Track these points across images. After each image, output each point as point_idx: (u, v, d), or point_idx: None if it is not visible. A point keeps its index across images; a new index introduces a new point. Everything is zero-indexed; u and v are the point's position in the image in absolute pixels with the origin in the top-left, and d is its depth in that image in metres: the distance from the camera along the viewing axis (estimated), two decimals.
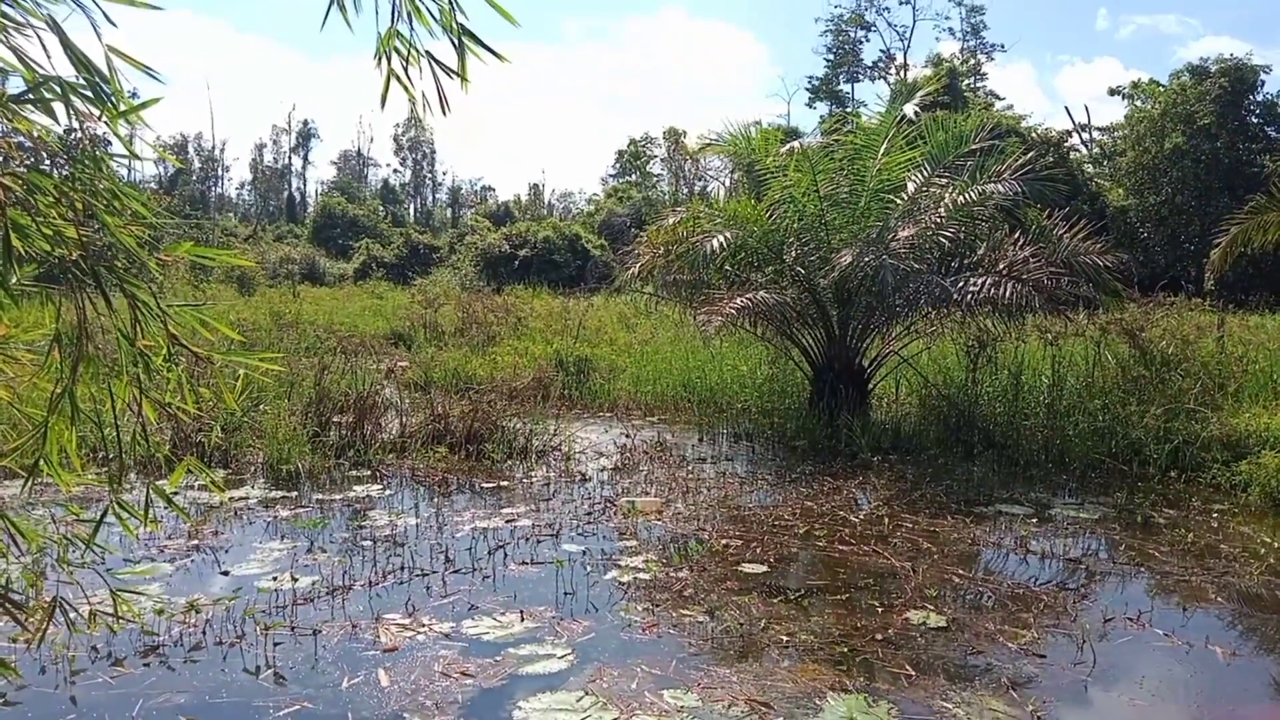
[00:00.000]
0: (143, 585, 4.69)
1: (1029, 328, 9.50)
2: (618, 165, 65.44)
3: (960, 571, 5.34)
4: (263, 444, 7.46)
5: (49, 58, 2.20)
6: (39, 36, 2.19)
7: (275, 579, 4.86)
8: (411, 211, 71.30)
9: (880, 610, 4.64)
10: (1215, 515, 6.67)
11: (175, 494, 6.14)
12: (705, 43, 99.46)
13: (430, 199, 75.56)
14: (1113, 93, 39.97)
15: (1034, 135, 32.98)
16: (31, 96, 2.03)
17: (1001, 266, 8.82)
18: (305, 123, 72.58)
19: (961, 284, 8.62)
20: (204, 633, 4.15)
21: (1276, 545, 5.89)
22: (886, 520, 6.39)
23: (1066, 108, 73.06)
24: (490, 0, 2.45)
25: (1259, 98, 31.06)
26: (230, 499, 6.42)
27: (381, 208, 59.54)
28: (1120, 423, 8.22)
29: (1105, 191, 33.36)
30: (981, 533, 6.26)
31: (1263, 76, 30.82)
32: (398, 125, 72.53)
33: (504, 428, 8.29)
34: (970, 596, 5.01)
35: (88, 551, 2.51)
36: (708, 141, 11.78)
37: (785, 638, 4.27)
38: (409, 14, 2.60)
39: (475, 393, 9.31)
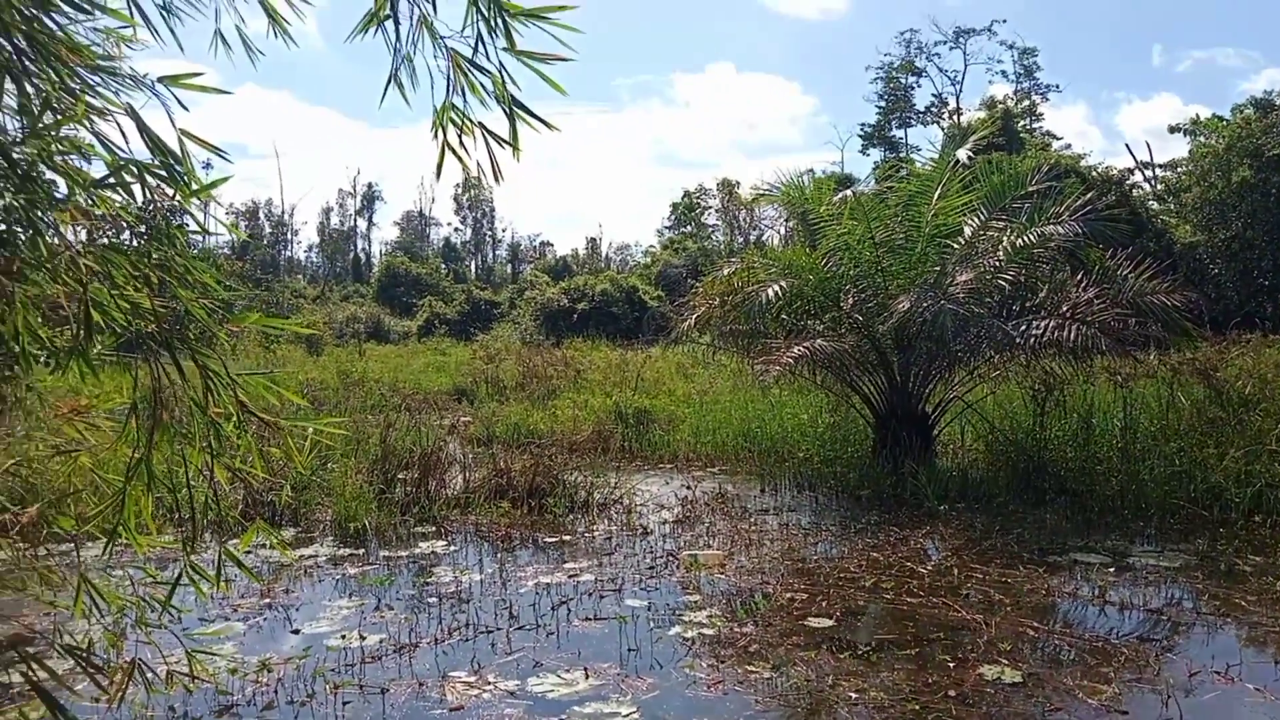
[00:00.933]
0: (217, 645, 4.78)
1: (1097, 370, 9.28)
2: (672, 217, 66.09)
3: (1035, 624, 5.18)
4: (331, 502, 7.60)
5: (126, 141, 2.34)
6: (118, 122, 2.33)
7: (344, 637, 4.92)
8: (472, 268, 72.72)
9: (952, 665, 4.51)
10: None
11: (248, 553, 6.28)
12: (754, 95, 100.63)
13: (490, 256, 77.02)
14: (1173, 130, 39.19)
15: (1094, 174, 32.49)
16: (113, 180, 2.16)
17: (1065, 309, 8.65)
18: (370, 186, 74.91)
19: (1024, 327, 8.47)
20: (276, 692, 4.21)
21: None
22: (956, 571, 6.23)
23: (1127, 145, 72.00)
24: (539, 72, 2.54)
25: None
26: (300, 557, 6.53)
27: (443, 265, 60.84)
28: (1198, 466, 7.94)
29: (1172, 228, 32.58)
30: (1056, 583, 6.07)
31: None
32: (457, 185, 74.37)
33: (565, 481, 8.32)
34: (1047, 650, 4.84)
35: (164, 613, 2.58)
36: (761, 192, 11.84)
37: (854, 694, 4.17)
38: (463, 88, 2.70)
39: (536, 447, 9.39)
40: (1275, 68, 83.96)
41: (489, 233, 76.49)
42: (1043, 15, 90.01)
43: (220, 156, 2.23)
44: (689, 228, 62.82)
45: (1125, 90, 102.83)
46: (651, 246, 62.45)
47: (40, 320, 2.23)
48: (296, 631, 5.07)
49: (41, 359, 2.29)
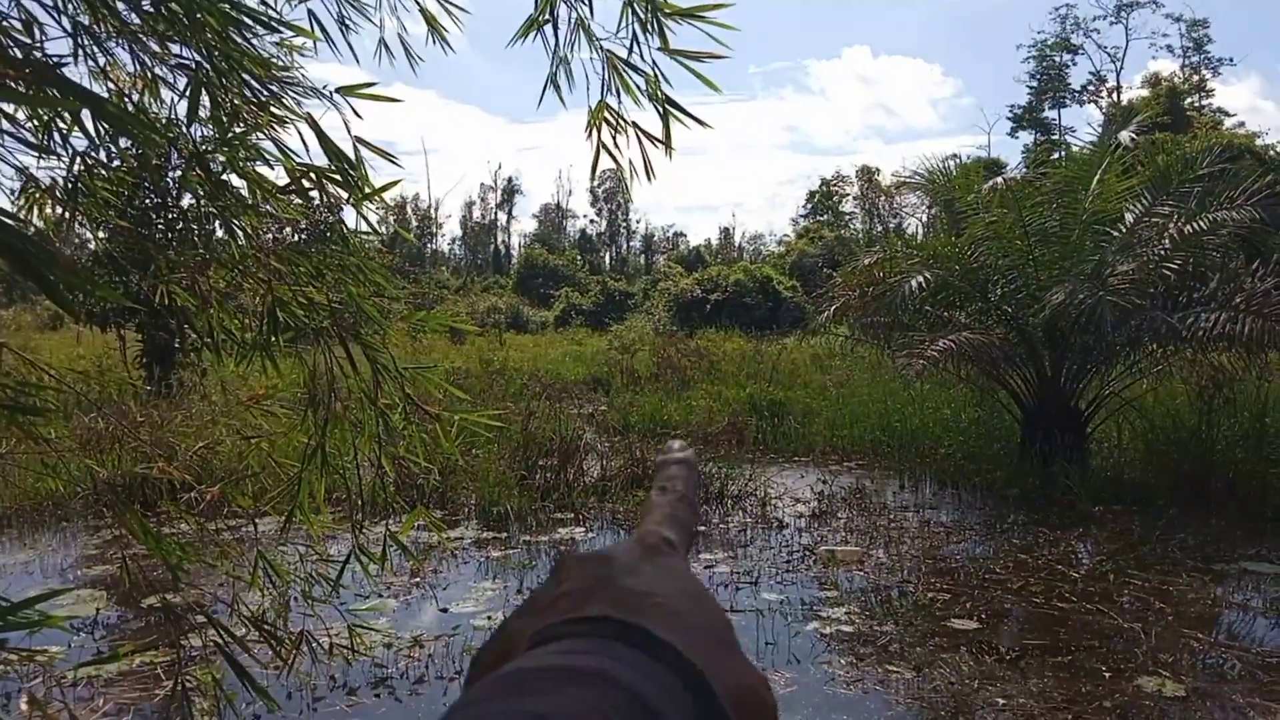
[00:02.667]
0: (372, 620, 5.06)
1: (1272, 365, 8.61)
2: (809, 205, 65.08)
3: (1199, 635, 4.89)
4: (475, 487, 7.90)
5: (306, 148, 2.50)
6: (298, 130, 2.49)
7: (490, 618, 5.12)
8: (607, 260, 73.70)
9: (1108, 675, 4.31)
10: None
11: (411, 529, 6.62)
12: (892, 79, 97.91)
13: (625, 247, 77.84)
14: None
15: (1272, 154, 30.09)
16: (293, 187, 2.32)
17: (1238, 300, 8.06)
18: (510, 180, 76.91)
19: (1191, 320, 7.95)
20: (426, 667, 4.42)
21: None
22: (1111, 577, 5.93)
23: None
24: (695, 71, 2.57)
25: None
26: (447, 539, 6.83)
27: (580, 257, 61.89)
28: None
29: None
30: (1223, 592, 5.70)
31: None
32: (596, 178, 75.45)
33: (700, 472, 8.36)
34: (1212, 663, 4.56)
35: (333, 589, 2.76)
36: (904, 179, 11.54)
37: (1001, 700, 4.05)
38: (618, 88, 2.76)
39: (671, 437, 9.47)
40: None
41: (623, 224, 77.33)
42: None
43: (391, 162, 2.36)
44: (825, 216, 61.73)
45: None
46: (786, 235, 61.76)
47: (230, 316, 2.42)
48: (444, 610, 5.31)
49: (230, 351, 2.48)
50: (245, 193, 2.49)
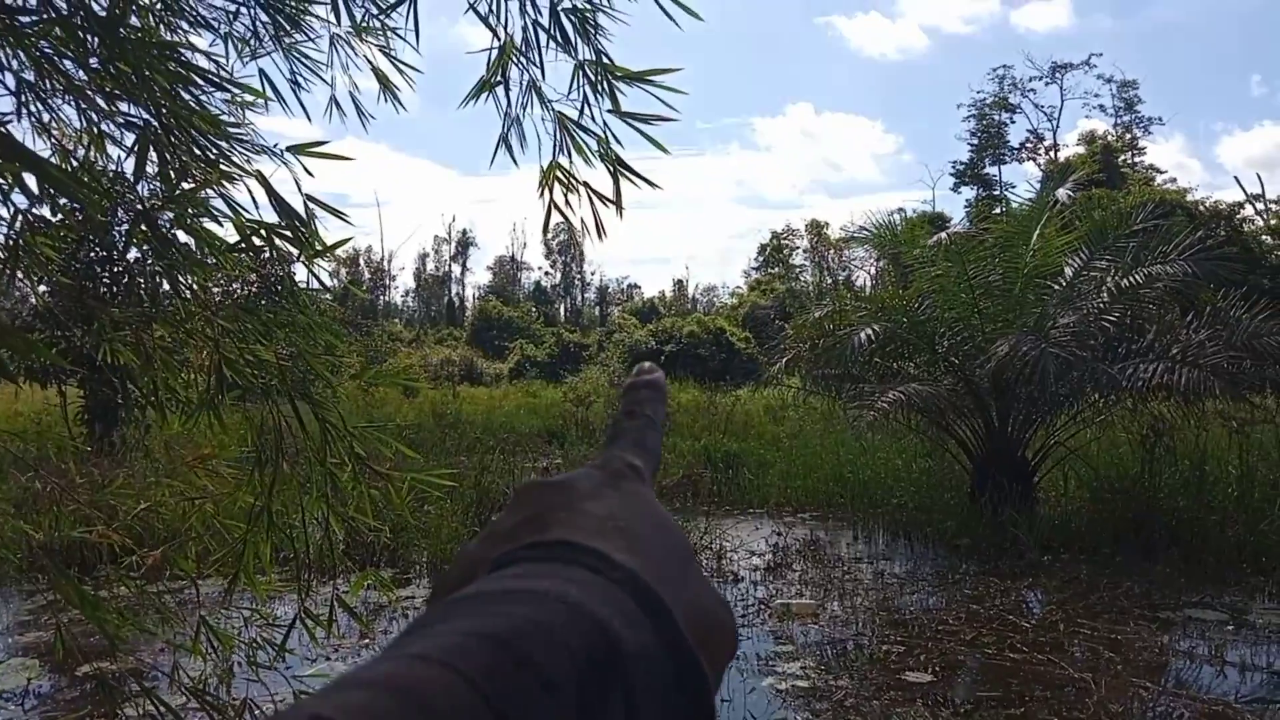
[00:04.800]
0: (318, 685, 4.92)
1: (1210, 415, 8.86)
2: (760, 258, 66.03)
3: (1148, 684, 4.94)
4: (427, 543, 7.77)
5: (256, 205, 2.49)
6: (247, 186, 2.49)
7: None
8: (562, 311, 73.84)
9: None
10: None
11: (345, 592, 6.46)
12: (836, 135, 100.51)
13: (579, 298, 78.11)
14: None
15: (1201, 209, 31.34)
16: (243, 245, 2.30)
17: (1175, 351, 8.32)
18: (464, 232, 77.03)
19: (1130, 370, 8.18)
20: None
21: None
22: (1061, 626, 5.99)
23: (1236, 178, 69.03)
24: (644, 134, 2.62)
25: None
26: (398, 598, 6.68)
27: (534, 309, 61.95)
28: None
29: None
30: (1170, 640, 5.79)
31: None
32: (549, 231, 75.81)
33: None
34: (1160, 712, 4.62)
35: (278, 656, 2.68)
36: (851, 234, 11.83)
37: None
38: (569, 148, 2.80)
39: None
40: None
41: (578, 276, 77.66)
42: (1132, 48, 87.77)
43: (342, 219, 2.36)
44: (776, 269, 62.63)
45: (1224, 121, 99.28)
46: (738, 288, 62.47)
47: (174, 374, 2.38)
48: None
49: (174, 409, 2.44)
50: (194, 249, 2.47)
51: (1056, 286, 9.30)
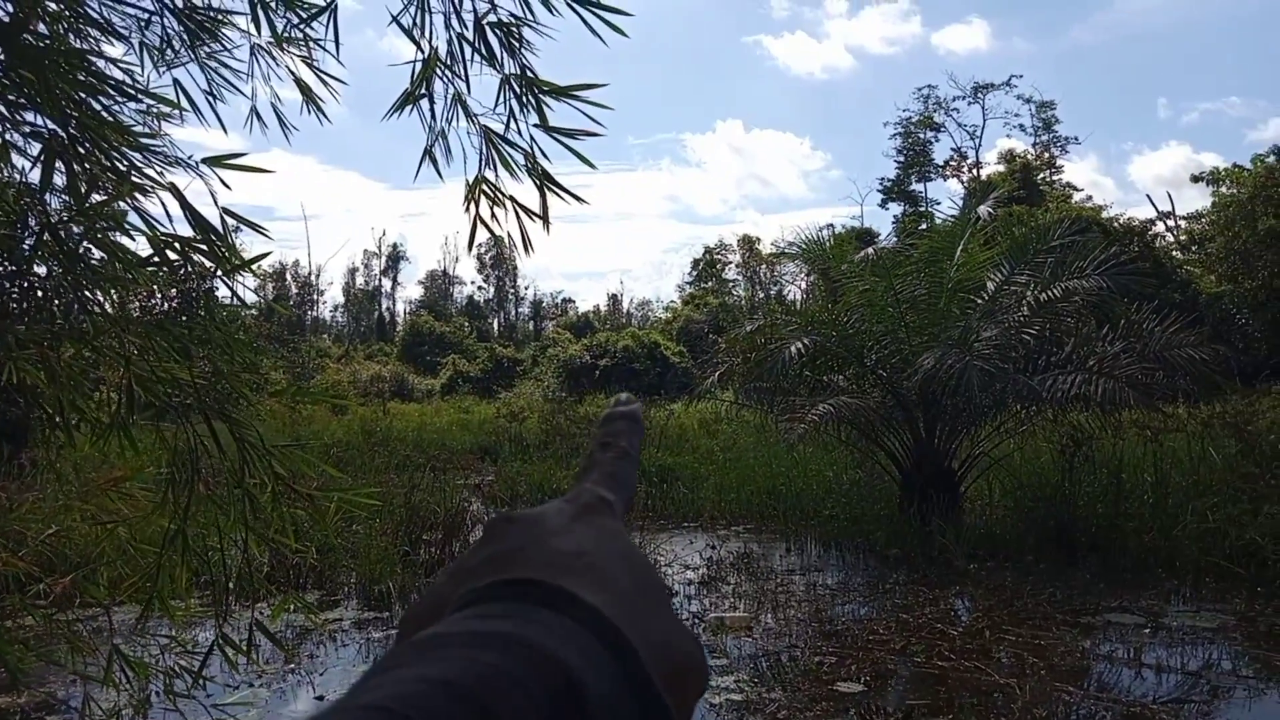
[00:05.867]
0: (241, 714, 4.77)
1: (1125, 424, 9.17)
2: (694, 273, 66.50)
3: (1070, 687, 5.07)
4: (355, 564, 7.60)
5: (169, 218, 2.42)
6: (161, 199, 2.41)
7: None
8: (495, 326, 73.28)
9: None
10: None
11: (280, 616, 6.26)
12: (765, 152, 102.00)
13: (513, 313, 77.64)
14: (1196, 179, 39.25)
15: (1116, 226, 32.53)
16: (156, 257, 2.23)
17: (1091, 363, 8.60)
18: (394, 246, 76.03)
19: (1050, 382, 8.42)
20: None
21: None
22: (987, 632, 6.12)
23: (1148, 196, 71.99)
24: (571, 148, 2.61)
25: None
26: (325, 621, 6.52)
27: (467, 324, 61.39)
28: (1233, 523, 7.79)
29: (1196, 279, 32.43)
30: (1090, 644, 5.95)
31: None
32: (481, 245, 75.28)
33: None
34: (1083, 715, 4.74)
35: (195, 683, 2.59)
36: (781, 249, 12.00)
37: None
38: (495, 162, 2.78)
39: None
40: None
41: (512, 290, 77.20)
42: (1048, 70, 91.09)
43: (260, 233, 2.30)
44: (710, 283, 63.15)
45: (1134, 141, 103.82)
46: (673, 302, 62.77)
47: (82, 394, 2.29)
48: (321, 698, 5.05)
49: (82, 430, 2.34)
50: (106, 264, 2.39)
51: (979, 300, 9.55)
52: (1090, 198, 48.96)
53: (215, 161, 2.37)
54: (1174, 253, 36.94)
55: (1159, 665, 5.48)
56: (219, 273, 2.39)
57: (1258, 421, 9.59)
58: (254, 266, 2.54)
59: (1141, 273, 10.97)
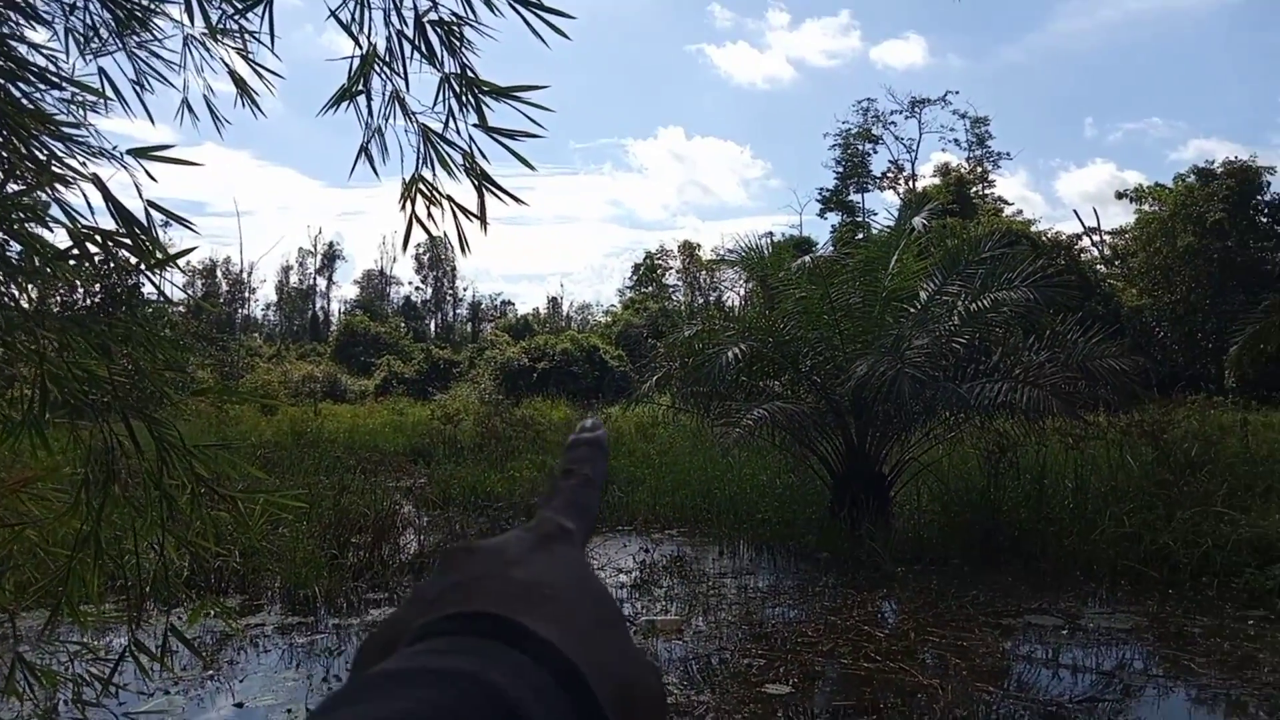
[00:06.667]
0: None
1: (1049, 432, 9.45)
2: (634, 277, 66.61)
3: (991, 688, 5.20)
4: (280, 568, 7.44)
5: (91, 210, 2.35)
6: (83, 190, 2.34)
7: (290, 711, 4.79)
8: (432, 327, 72.44)
9: None
10: (1251, 622, 6.49)
11: (197, 622, 6.10)
12: (706, 159, 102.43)
13: (451, 314, 76.83)
14: (1120, 196, 40.63)
15: (1044, 239, 33.47)
16: (76, 250, 2.16)
17: (1017, 372, 8.85)
18: (330, 245, 74.64)
19: (978, 390, 8.64)
20: None
21: None
22: (913, 634, 6.25)
23: (1075, 211, 74.24)
24: (510, 149, 2.60)
25: (1266, 197, 31.61)
26: (246, 626, 6.37)
27: (403, 324, 60.58)
28: (1147, 527, 8.08)
29: (1119, 292, 33.56)
30: (1011, 645, 6.12)
31: (1267, 177, 31.48)
32: (419, 246, 74.35)
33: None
34: (1002, 715, 4.86)
35: (104, 691, 2.51)
36: (721, 256, 12.08)
37: None
38: (433, 161, 2.76)
39: (494, 509, 9.30)
40: (1201, 138, 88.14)
41: (450, 291, 76.39)
42: (982, 87, 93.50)
43: (187, 227, 2.24)
44: (650, 288, 63.33)
45: (1061, 158, 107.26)
46: (613, 306, 62.84)
47: None
48: (240, 705, 4.93)
49: None
50: (22, 256, 2.30)
51: (912, 310, 9.75)
52: (1020, 212, 50.29)
53: (141, 153, 2.31)
54: (1098, 267, 38.15)
55: (1075, 665, 5.65)
56: (143, 268, 2.33)
57: (1173, 430, 9.94)
58: (182, 262, 2.48)
59: (1067, 285, 11.31)
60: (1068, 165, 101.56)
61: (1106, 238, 42.95)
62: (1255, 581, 7.20)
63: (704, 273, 62.21)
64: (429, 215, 2.80)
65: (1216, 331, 27.67)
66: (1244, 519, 7.93)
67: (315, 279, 74.38)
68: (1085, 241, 41.84)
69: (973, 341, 9.54)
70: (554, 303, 74.34)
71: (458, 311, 77.21)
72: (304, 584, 7.11)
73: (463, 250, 2.77)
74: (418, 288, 75.72)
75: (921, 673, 5.41)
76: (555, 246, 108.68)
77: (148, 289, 2.54)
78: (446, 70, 2.69)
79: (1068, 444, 9.50)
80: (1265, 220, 31.63)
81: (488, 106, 2.76)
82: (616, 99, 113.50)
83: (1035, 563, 8.10)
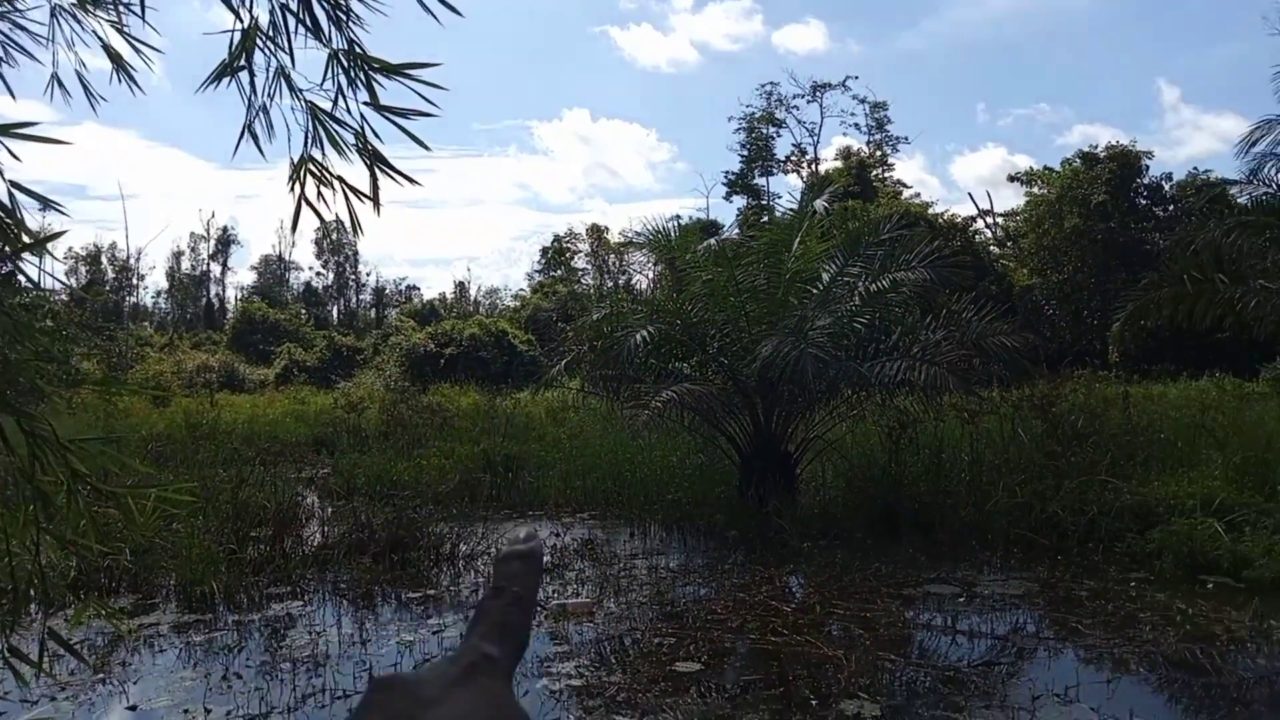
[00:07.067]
0: None
1: (946, 408, 9.77)
2: (543, 261, 66.20)
3: (893, 656, 5.37)
4: (175, 565, 7.16)
5: None
6: None
7: (187, 711, 4.63)
8: (335, 314, 70.65)
9: (815, 703, 4.61)
10: (1133, 584, 6.85)
11: (80, 624, 5.82)
12: (612, 142, 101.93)
13: (354, 300, 75.02)
14: (1012, 179, 42.22)
15: (941, 221, 34.53)
16: None
17: (915, 350, 9.11)
18: (225, 229, 71.87)
19: (878, 369, 8.86)
20: None
21: (1190, 611, 6.07)
22: (818, 608, 6.39)
23: (970, 194, 76.73)
24: (403, 128, 2.53)
25: (1145, 180, 33.27)
26: (139, 626, 6.12)
27: (304, 311, 58.95)
28: (1038, 497, 8.44)
29: (1011, 272, 34.91)
30: (912, 614, 6.32)
31: (1145, 161, 33.13)
32: (318, 230, 72.26)
33: (430, 534, 8.12)
34: (904, 681, 5.02)
35: None
36: (629, 239, 12.11)
37: None
38: (322, 140, 2.66)
39: (400, 498, 9.13)
40: (1085, 124, 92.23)
41: (352, 276, 74.51)
42: (881, 72, 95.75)
43: (57, 210, 2.11)
44: (559, 272, 63.02)
45: (956, 143, 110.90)
46: (521, 290, 62.32)
47: None
48: (133, 708, 4.74)
49: None
50: None
51: (815, 291, 9.93)
52: (919, 194, 51.69)
53: (2, 131, 2.17)
54: (991, 248, 39.60)
55: (972, 631, 5.88)
56: (7, 251, 2.19)
57: (1061, 404, 10.39)
58: (61, 248, 2.34)
59: (962, 266, 11.70)
60: (962, 149, 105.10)
61: (999, 219, 44.57)
62: (1136, 545, 7.60)
63: (613, 256, 62.25)
64: (319, 197, 2.71)
65: (1101, 309, 29.07)
66: (1126, 487, 8.35)
67: (209, 265, 71.61)
68: (979, 223, 43.34)
69: (873, 321, 9.78)
70: (461, 287, 73.30)
71: (361, 297, 75.45)
72: (201, 580, 6.86)
73: (355, 232, 2.69)
74: (319, 273, 73.66)
75: (827, 644, 5.54)
76: (462, 230, 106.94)
77: (26, 276, 2.39)
78: (334, 46, 2.60)
79: (964, 419, 9.83)
80: (1144, 202, 33.32)
81: (379, 84, 2.68)
82: (520, 81, 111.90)
83: (934, 534, 8.38)
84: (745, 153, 59.23)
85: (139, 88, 3.15)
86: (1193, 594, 6.58)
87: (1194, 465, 8.82)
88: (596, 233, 64.38)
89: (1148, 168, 33.25)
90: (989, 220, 44.92)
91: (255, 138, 2.70)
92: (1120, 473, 8.74)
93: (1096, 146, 34.18)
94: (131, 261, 65.39)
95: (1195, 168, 45.58)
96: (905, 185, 53.22)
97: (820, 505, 9.44)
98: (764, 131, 59.25)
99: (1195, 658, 5.23)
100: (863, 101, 58.54)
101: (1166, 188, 33.55)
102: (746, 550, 8.33)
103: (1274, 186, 10.35)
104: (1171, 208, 32.74)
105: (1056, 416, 9.98)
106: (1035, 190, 38.45)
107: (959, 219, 38.12)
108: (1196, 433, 10.20)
